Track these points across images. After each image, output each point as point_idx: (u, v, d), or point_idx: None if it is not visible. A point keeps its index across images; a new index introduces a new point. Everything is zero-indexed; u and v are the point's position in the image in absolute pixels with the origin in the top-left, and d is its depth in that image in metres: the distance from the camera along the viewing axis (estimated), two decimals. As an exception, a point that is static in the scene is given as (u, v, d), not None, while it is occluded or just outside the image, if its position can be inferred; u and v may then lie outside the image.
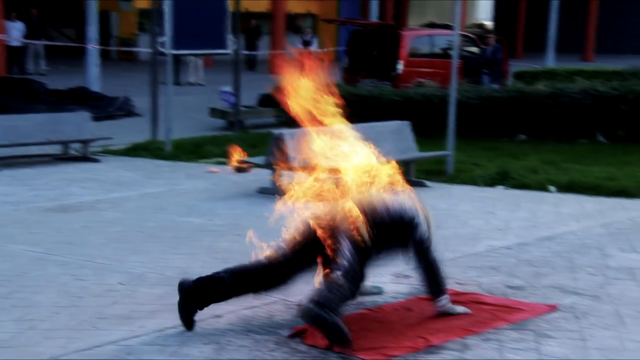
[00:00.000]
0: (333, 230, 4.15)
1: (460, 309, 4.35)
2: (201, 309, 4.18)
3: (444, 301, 4.30)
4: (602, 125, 11.17)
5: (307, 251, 4.22)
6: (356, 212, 4.14)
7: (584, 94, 11.14)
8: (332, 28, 28.88)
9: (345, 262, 4.02)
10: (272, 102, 13.59)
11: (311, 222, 4.22)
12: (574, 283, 5.01)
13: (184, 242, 5.98)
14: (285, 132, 7.90)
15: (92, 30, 16.31)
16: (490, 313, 4.37)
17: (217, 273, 4.23)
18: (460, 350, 3.92)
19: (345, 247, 4.07)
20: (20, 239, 6.02)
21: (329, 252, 4.11)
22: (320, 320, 3.78)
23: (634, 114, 10.88)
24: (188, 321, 4.14)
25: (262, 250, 4.35)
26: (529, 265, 5.39)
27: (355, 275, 4.05)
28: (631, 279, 5.10)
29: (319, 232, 4.16)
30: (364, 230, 4.10)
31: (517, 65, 18.97)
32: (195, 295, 4.15)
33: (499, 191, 8.14)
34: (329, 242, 4.12)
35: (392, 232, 4.22)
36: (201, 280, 4.21)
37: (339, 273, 3.98)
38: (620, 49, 32.79)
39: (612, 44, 33.93)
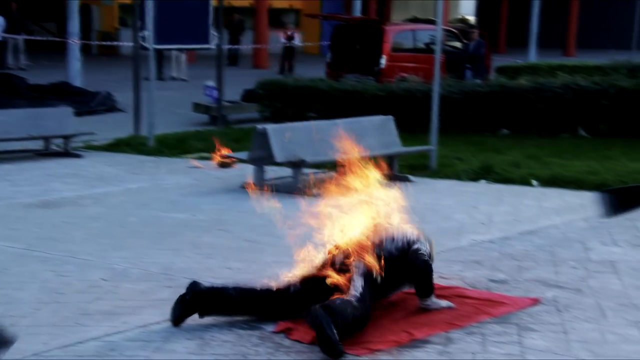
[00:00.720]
0: (348, 265, 4.15)
1: (444, 303, 4.37)
2: (201, 316, 4.14)
3: (429, 301, 4.32)
4: (583, 119, 11.25)
5: (316, 285, 4.16)
6: (370, 247, 4.17)
7: (566, 89, 11.22)
8: (315, 23, 28.87)
9: (357, 293, 4.00)
10: (255, 97, 13.59)
11: (328, 254, 4.23)
12: (556, 276, 5.04)
13: (167, 238, 5.96)
14: (269, 127, 7.89)
15: (74, 24, 16.17)
16: (473, 307, 4.39)
17: (227, 289, 4.18)
18: (444, 344, 3.94)
19: (359, 283, 4.05)
20: (1, 235, 5.97)
21: (341, 285, 4.08)
22: (320, 325, 3.71)
23: (615, 108, 10.96)
24: (179, 319, 4.12)
25: (274, 277, 4.33)
26: (511, 259, 5.42)
27: (366, 307, 3.99)
28: (612, 272, 5.14)
29: (333, 267, 4.17)
30: (377, 266, 4.11)
31: (499, 60, 19.06)
32: (203, 300, 4.13)
33: (482, 186, 8.17)
34: (342, 276, 4.11)
35: (401, 264, 4.23)
36: (212, 290, 4.18)
37: (352, 298, 3.97)
38: (601, 44, 33.03)
39: (593, 39, 34.17)
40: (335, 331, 3.69)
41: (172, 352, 3.82)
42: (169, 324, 4.13)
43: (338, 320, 3.73)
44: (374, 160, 4.82)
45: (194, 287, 4.15)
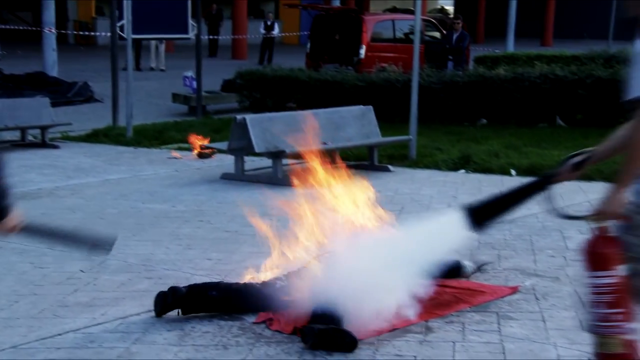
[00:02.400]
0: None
1: None
2: (184, 314, 4.10)
3: None
4: (561, 109, 11.33)
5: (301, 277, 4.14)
6: None
7: (544, 79, 11.29)
8: (294, 13, 28.76)
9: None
10: (234, 88, 13.54)
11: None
12: (534, 265, 5.09)
13: (147, 229, 5.93)
14: (249, 117, 7.86)
15: (49, 13, 15.96)
16: (453, 296, 4.41)
17: (210, 290, 4.14)
18: (424, 333, 3.96)
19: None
20: (-23, 227, 5.90)
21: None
22: (327, 329, 3.73)
23: (592, 98, 11.05)
24: (161, 314, 4.10)
25: (258, 273, 4.30)
26: (490, 248, 5.46)
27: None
28: (590, 261, 5.19)
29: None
30: None
31: (478, 50, 19.13)
32: (185, 303, 4.09)
33: (462, 175, 8.21)
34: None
35: None
36: (193, 293, 4.12)
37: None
38: (579, 34, 33.27)
39: (570, 29, 34.40)
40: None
41: (152, 344, 3.81)
42: (148, 315, 4.12)
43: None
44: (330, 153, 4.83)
45: (174, 293, 4.08)
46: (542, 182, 3.46)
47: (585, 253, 3.02)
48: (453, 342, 3.89)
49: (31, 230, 2.86)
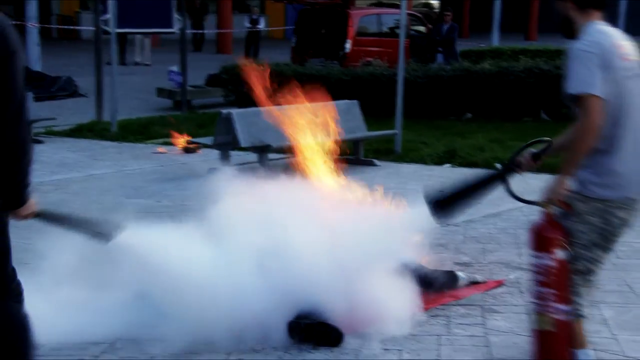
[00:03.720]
0: None
1: None
2: None
3: None
4: (545, 103, 11.38)
5: None
6: None
7: (528, 73, 11.33)
8: (280, 7, 28.68)
9: None
10: (220, 82, 13.49)
11: None
12: (519, 259, 5.12)
13: (132, 224, 5.89)
14: (234, 112, 7.84)
15: (32, 7, 15.80)
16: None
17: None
18: (409, 327, 3.97)
19: None
20: (-40, 223, 5.85)
21: None
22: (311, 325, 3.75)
23: (576, 92, 11.11)
24: None
25: None
26: (475, 242, 5.49)
27: None
28: (574, 254, 5.23)
29: None
30: None
31: (463, 45, 19.16)
32: None
33: (447, 169, 8.24)
34: None
35: None
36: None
37: None
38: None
39: (554, 23, 34.51)
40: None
41: (135, 340, 3.80)
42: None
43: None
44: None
45: None
46: (502, 172, 3.62)
47: (530, 235, 3.27)
48: (438, 335, 3.91)
49: (44, 216, 3.02)
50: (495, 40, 19.01)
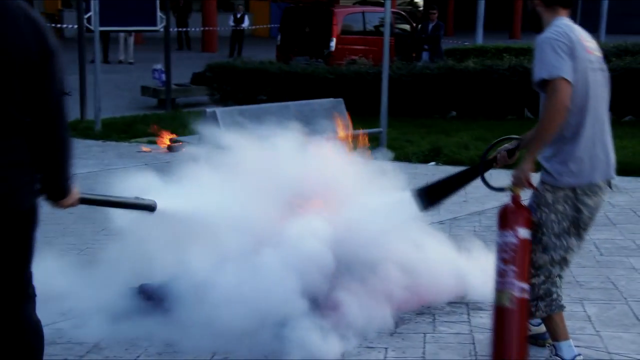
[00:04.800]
0: None
1: None
2: None
3: None
4: (529, 101, 11.44)
5: None
6: None
7: (512, 71, 11.39)
8: (264, 5, 28.66)
9: None
10: (204, 80, 13.44)
11: None
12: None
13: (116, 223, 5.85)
14: (219, 110, 7.82)
15: (15, 5, 15.68)
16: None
17: None
18: (394, 325, 3.98)
19: None
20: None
21: None
22: None
23: (559, 90, 11.18)
24: None
25: None
26: (460, 240, 5.50)
27: None
28: (558, 251, 5.26)
29: None
30: None
31: (447, 43, 19.22)
32: None
33: (432, 167, 8.27)
34: None
35: None
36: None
37: None
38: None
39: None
40: None
41: (122, 339, 3.78)
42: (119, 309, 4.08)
43: None
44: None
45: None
46: (480, 167, 3.83)
47: (497, 215, 3.41)
48: (424, 333, 3.92)
49: (86, 201, 3.24)
50: (480, 38, 19.08)
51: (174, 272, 4.02)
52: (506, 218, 3.36)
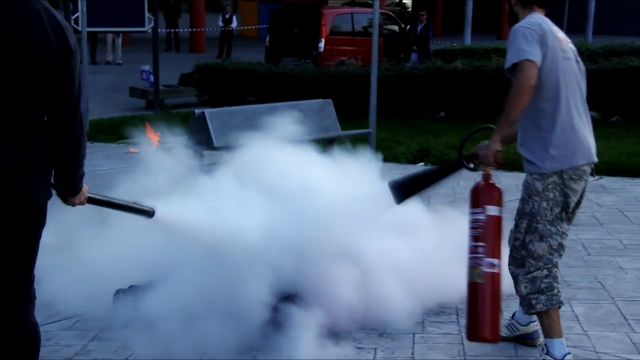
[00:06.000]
0: None
1: None
2: None
3: None
4: (517, 102, 11.49)
5: None
6: None
7: (500, 72, 11.42)
8: (253, 6, 28.63)
9: None
10: (193, 81, 13.41)
11: None
12: (492, 256, 5.15)
13: (104, 224, 5.83)
14: (207, 111, 7.80)
15: (2, 6, 15.61)
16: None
17: None
18: (384, 325, 3.98)
19: None
20: None
21: None
22: None
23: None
24: None
25: None
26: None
27: None
28: (546, 251, 5.28)
29: None
30: None
31: (436, 44, 19.27)
32: None
33: (421, 168, 8.28)
34: None
35: None
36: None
37: None
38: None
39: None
40: None
41: (110, 341, 3.76)
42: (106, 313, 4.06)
43: None
44: None
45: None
46: (459, 163, 3.89)
47: (470, 192, 3.51)
48: (413, 333, 3.93)
49: (93, 201, 3.26)
50: (468, 39, 19.14)
51: (160, 274, 4.00)
52: (477, 196, 3.46)
